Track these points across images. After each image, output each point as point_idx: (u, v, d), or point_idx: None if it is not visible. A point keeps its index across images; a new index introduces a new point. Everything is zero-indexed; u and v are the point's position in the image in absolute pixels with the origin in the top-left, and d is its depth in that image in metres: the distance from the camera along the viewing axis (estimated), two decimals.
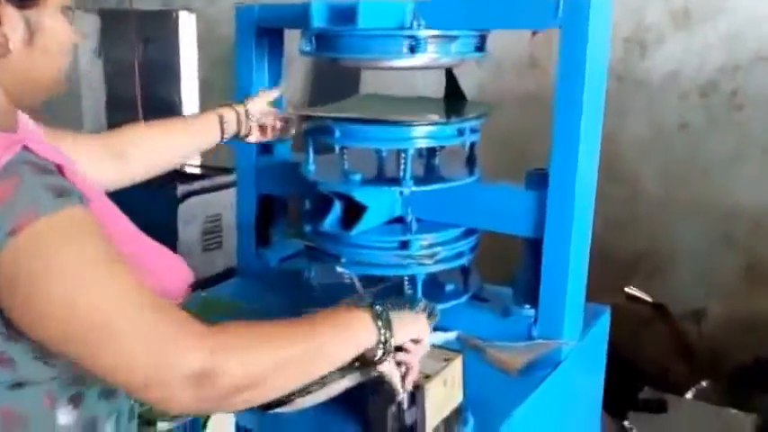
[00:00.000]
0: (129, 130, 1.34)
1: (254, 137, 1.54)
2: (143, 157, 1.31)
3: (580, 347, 1.51)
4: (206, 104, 4.13)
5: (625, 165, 3.03)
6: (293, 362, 0.90)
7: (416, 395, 1.13)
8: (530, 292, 1.51)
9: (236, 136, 1.50)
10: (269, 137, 1.57)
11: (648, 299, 2.89)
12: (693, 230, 2.96)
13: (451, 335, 1.49)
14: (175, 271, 1.07)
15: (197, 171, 3.87)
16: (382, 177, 1.59)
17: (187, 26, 4.24)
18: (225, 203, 3.41)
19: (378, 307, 1.03)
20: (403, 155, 1.49)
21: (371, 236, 1.53)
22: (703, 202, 2.92)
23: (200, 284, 3.35)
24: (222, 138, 1.47)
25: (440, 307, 1.51)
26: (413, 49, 1.44)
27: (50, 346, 0.84)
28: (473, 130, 1.54)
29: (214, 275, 3.32)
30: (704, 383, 2.65)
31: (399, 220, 1.58)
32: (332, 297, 1.36)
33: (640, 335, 2.75)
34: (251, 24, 1.72)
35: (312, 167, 1.59)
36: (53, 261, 0.80)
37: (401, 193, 1.53)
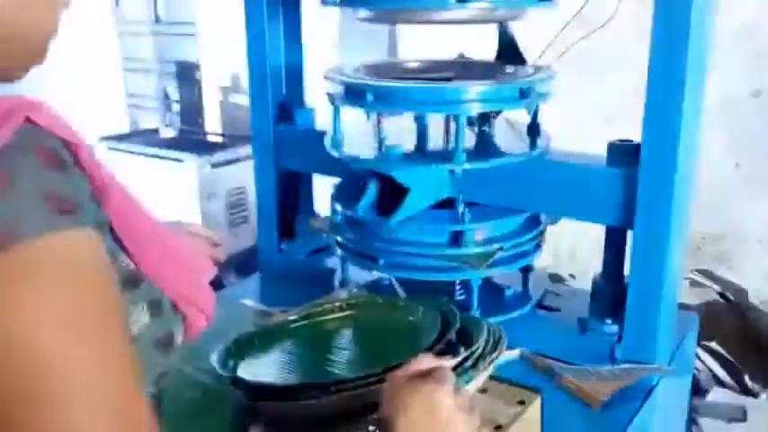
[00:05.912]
0: None
1: None
2: None
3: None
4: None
5: None
6: None
7: None
8: (612, 301, 1.24)
9: None
10: None
11: (716, 287, 2.59)
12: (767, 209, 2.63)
13: (513, 353, 1.22)
14: (199, 255, 0.87)
15: (218, 140, 3.60)
16: (427, 151, 1.30)
17: None
18: (250, 175, 3.15)
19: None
20: (453, 123, 1.21)
21: (413, 226, 1.26)
22: None
23: (230, 261, 3.18)
24: None
25: (500, 319, 1.26)
26: None
27: None
28: (539, 94, 1.25)
29: (244, 251, 3.12)
30: None
31: (447, 203, 1.30)
32: None
33: (707, 327, 2.47)
34: None
35: (340, 138, 1.30)
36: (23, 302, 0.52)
37: (451, 171, 1.25)
